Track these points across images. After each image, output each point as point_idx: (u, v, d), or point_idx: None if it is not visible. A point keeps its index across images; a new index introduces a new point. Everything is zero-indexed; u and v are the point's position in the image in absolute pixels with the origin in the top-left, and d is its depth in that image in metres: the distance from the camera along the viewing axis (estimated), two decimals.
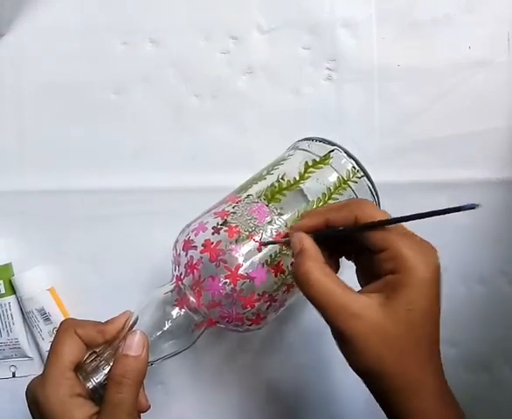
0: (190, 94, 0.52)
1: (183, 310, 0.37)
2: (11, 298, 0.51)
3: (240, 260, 0.36)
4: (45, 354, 0.51)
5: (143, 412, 0.38)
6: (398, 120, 0.51)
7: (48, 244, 0.52)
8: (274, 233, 0.37)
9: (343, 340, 0.30)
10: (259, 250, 0.36)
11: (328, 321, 0.31)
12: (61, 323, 0.37)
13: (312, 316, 0.34)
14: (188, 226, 0.39)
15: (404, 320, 0.30)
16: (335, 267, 0.36)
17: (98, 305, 0.49)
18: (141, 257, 0.51)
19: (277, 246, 0.37)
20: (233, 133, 0.52)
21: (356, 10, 0.50)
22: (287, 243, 0.35)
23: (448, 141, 0.50)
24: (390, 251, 0.31)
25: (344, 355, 0.31)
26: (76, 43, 0.52)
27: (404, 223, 0.32)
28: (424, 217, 0.29)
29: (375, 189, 0.40)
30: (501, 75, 0.50)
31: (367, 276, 0.33)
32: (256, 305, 0.36)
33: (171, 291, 0.38)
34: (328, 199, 0.38)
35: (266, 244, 0.36)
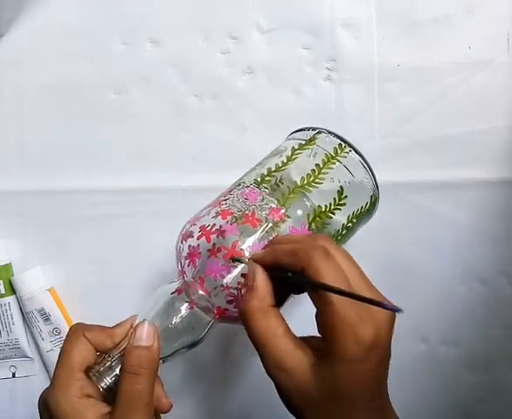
0: (190, 94, 0.52)
1: (190, 304, 0.36)
2: (11, 298, 0.51)
3: (236, 237, 0.36)
4: (45, 355, 0.51)
5: (166, 412, 0.37)
6: (398, 120, 0.51)
7: (48, 244, 0.52)
8: (268, 210, 0.37)
9: (274, 384, 0.31)
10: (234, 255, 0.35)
11: (262, 364, 0.31)
12: (70, 327, 0.37)
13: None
14: (187, 222, 0.40)
15: (329, 389, 0.29)
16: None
17: (98, 306, 0.49)
18: (141, 257, 0.51)
19: (271, 222, 0.36)
20: (233, 133, 0.52)
21: (356, 10, 0.50)
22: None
23: (448, 141, 0.50)
24: (324, 317, 0.29)
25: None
26: (76, 43, 0.52)
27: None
28: (356, 299, 0.28)
29: (366, 162, 0.39)
30: (501, 75, 0.50)
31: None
32: None
33: (177, 287, 0.37)
34: (319, 174, 0.38)
35: (236, 261, 0.35)
